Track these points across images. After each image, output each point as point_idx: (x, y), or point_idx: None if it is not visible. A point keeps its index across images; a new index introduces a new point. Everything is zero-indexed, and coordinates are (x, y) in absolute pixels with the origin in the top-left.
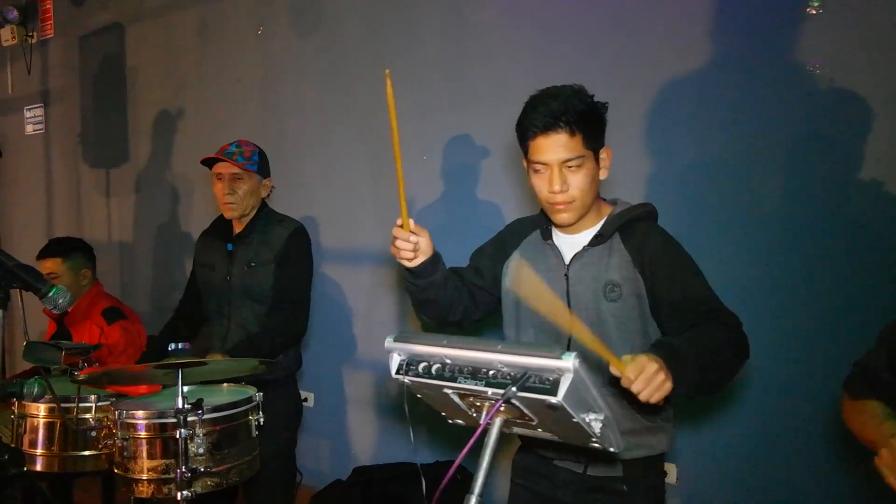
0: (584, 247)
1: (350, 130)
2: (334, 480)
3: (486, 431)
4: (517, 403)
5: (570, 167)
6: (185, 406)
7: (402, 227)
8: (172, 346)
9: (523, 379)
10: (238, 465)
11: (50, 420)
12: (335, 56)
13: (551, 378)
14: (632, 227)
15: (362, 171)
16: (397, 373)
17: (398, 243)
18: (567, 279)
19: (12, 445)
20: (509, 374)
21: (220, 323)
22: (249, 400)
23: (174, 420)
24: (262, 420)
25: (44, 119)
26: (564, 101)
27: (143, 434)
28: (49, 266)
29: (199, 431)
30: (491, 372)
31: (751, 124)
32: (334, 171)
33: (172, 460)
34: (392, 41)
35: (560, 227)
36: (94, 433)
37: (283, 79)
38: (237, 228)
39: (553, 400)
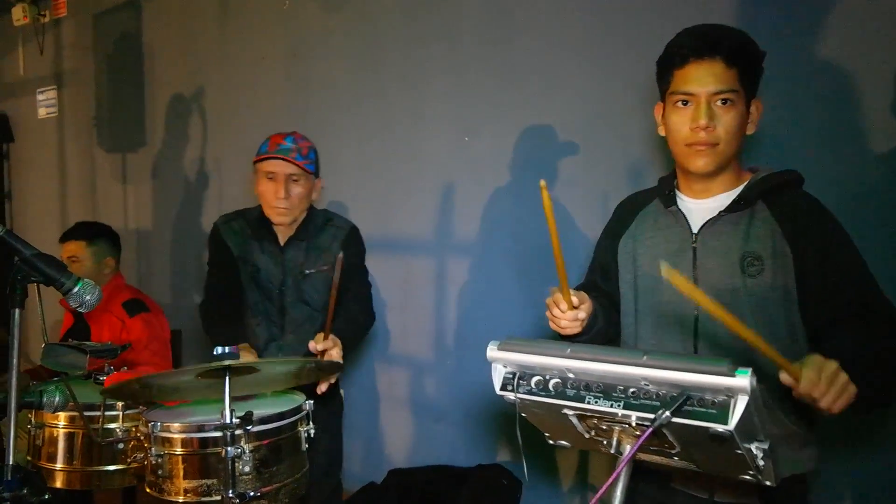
0: (720, 212)
1: (383, 111)
2: (368, 483)
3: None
4: (665, 431)
5: (720, 103)
6: (233, 420)
7: (563, 311)
8: (219, 349)
9: (681, 401)
10: (288, 483)
11: (71, 430)
12: (366, 31)
13: (717, 400)
14: (780, 193)
15: (397, 154)
16: (503, 388)
17: (563, 323)
18: (694, 251)
19: (29, 459)
20: (656, 394)
21: (268, 325)
22: (298, 409)
23: (216, 435)
24: (312, 432)
25: (57, 102)
26: (723, 29)
27: (179, 450)
28: (71, 249)
29: (246, 447)
30: (631, 390)
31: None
32: (366, 155)
33: (214, 480)
34: (428, 14)
35: (694, 177)
36: (121, 445)
37: (311, 57)
38: (285, 230)
39: (720, 429)
